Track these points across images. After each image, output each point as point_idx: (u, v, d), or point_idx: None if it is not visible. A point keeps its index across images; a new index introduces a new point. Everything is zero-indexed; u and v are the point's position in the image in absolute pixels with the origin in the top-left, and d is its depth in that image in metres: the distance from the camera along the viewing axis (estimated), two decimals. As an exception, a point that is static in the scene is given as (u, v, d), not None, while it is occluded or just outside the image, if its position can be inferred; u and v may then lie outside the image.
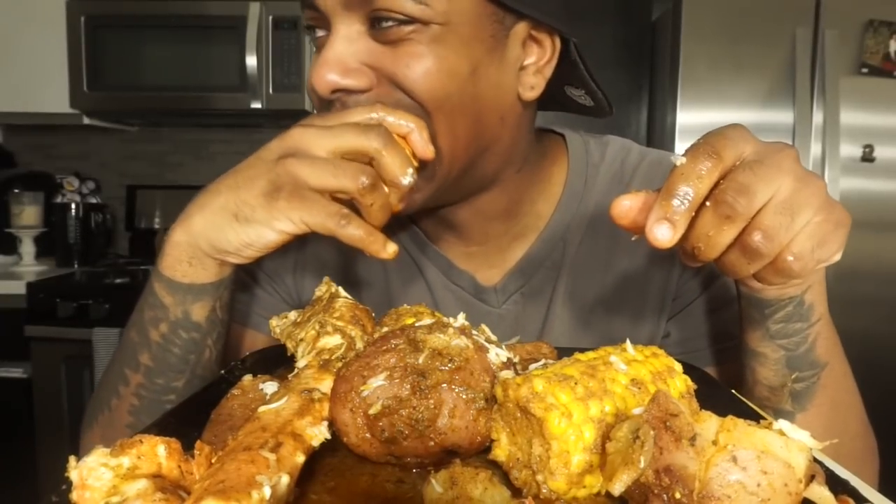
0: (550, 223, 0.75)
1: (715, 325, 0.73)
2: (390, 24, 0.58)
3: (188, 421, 0.47)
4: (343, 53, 0.59)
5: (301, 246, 0.79)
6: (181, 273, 0.59)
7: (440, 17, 0.58)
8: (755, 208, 0.45)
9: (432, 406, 0.40)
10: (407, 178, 0.55)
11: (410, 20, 0.57)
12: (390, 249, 0.55)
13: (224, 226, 0.56)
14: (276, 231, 0.55)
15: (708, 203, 0.45)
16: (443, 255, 0.77)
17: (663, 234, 0.44)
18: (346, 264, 0.79)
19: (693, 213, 0.45)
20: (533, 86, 0.66)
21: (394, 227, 0.77)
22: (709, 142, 0.46)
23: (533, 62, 0.65)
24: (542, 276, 0.76)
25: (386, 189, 0.55)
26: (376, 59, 0.59)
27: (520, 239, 0.76)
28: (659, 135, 2.38)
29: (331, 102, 0.62)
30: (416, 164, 0.57)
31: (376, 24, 0.58)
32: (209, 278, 0.60)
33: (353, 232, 0.53)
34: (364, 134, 0.54)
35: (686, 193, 0.44)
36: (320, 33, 0.63)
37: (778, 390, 0.61)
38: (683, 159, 0.46)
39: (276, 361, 0.59)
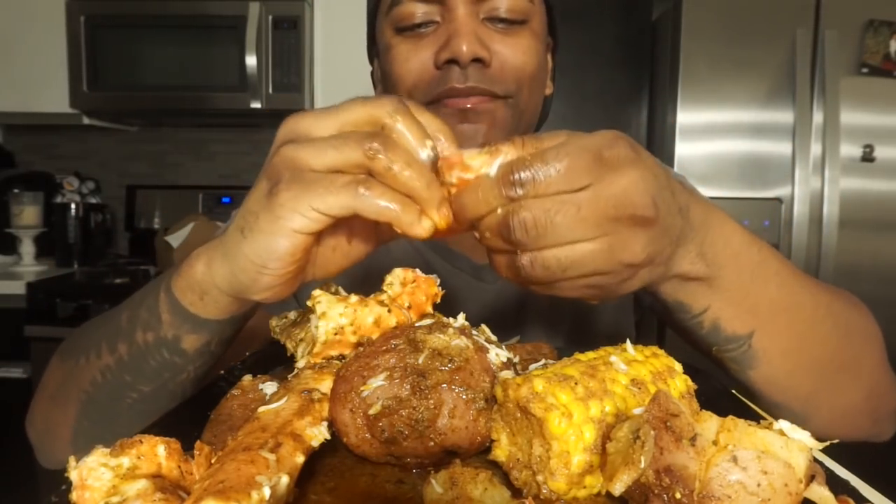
0: None
1: None
2: (505, 23, 0.74)
3: (188, 421, 0.47)
4: (476, 31, 0.73)
5: None
6: (189, 302, 0.54)
7: (536, 17, 0.77)
8: (531, 247, 0.42)
9: (432, 406, 0.40)
10: (426, 150, 0.43)
11: (521, 21, 0.75)
12: (426, 224, 0.43)
13: (235, 254, 0.48)
14: (287, 233, 0.44)
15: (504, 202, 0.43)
16: (441, 241, 0.81)
17: (422, 229, 0.43)
18: None
19: (475, 218, 0.44)
20: (549, 87, 0.85)
21: None
22: (538, 159, 0.42)
23: (548, 71, 0.85)
24: None
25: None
26: (491, 40, 0.74)
27: None
28: (659, 135, 2.38)
29: (440, 77, 0.73)
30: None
31: (494, 17, 0.74)
32: (217, 315, 0.54)
33: (378, 201, 0.42)
34: (371, 103, 0.44)
35: (469, 202, 0.43)
36: (425, 28, 0.75)
37: (711, 356, 0.61)
38: (495, 168, 0.43)
39: (276, 361, 0.59)
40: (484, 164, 0.44)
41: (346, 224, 0.49)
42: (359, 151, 0.42)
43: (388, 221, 0.43)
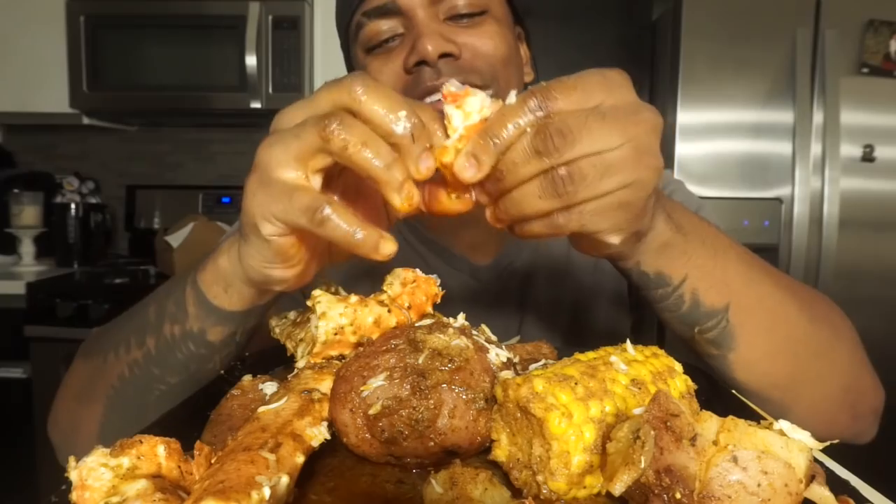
0: None
1: None
2: (466, 18, 0.76)
3: (188, 421, 0.47)
4: (439, 29, 0.74)
5: None
6: (213, 294, 0.56)
7: (495, 5, 0.78)
8: (570, 155, 0.42)
9: (432, 406, 0.40)
10: (400, 122, 0.42)
11: (481, 12, 0.76)
12: (385, 250, 0.43)
13: (243, 254, 0.50)
14: (265, 238, 0.46)
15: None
16: (440, 243, 0.85)
17: (467, 170, 0.42)
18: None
19: (502, 153, 0.43)
20: (527, 74, 0.86)
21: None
22: (552, 85, 0.43)
23: (526, 59, 0.87)
24: (526, 254, 0.85)
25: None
26: (456, 35, 0.75)
27: None
28: (659, 135, 2.38)
29: (418, 77, 0.73)
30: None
31: (455, 15, 0.75)
32: (241, 307, 0.56)
33: (335, 228, 0.42)
34: (336, 87, 0.44)
35: (499, 133, 0.42)
36: (393, 42, 0.76)
37: (693, 342, 0.61)
38: (514, 99, 0.43)
39: (276, 361, 0.59)
40: (484, 106, 0.43)
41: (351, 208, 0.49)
42: (316, 135, 0.42)
43: (346, 245, 0.43)
